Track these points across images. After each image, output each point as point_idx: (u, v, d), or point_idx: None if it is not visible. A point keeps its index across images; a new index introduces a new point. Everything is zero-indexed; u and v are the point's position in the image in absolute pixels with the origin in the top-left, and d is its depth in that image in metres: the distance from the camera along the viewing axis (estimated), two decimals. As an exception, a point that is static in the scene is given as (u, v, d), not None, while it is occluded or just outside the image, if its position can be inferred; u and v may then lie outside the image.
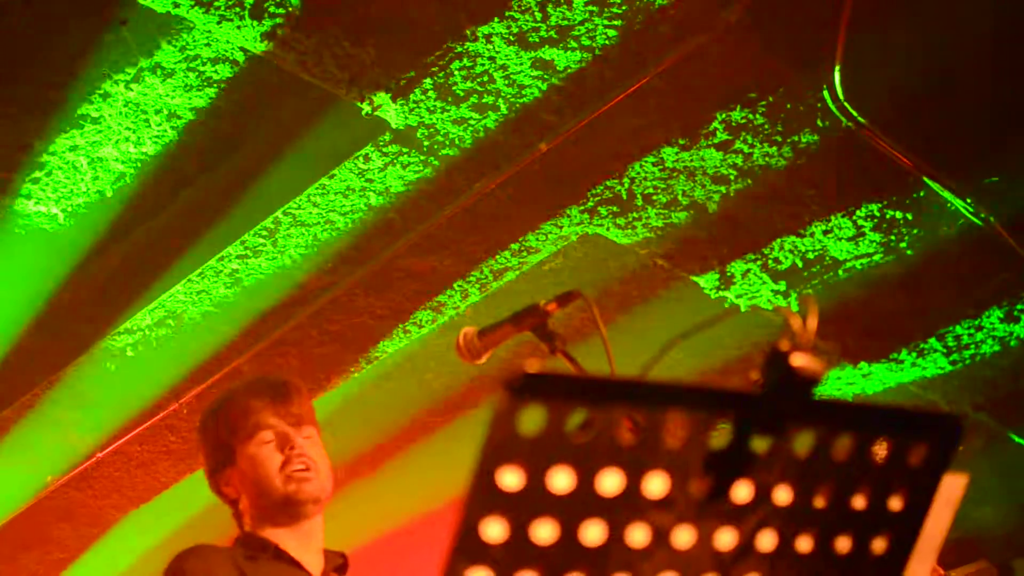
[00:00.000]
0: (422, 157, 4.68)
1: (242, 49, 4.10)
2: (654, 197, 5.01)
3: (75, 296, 5.15)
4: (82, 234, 4.83)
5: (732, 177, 4.94)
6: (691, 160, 4.83)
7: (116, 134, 4.40)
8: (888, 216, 5.20)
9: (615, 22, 4.18)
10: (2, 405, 5.84)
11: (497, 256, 5.33)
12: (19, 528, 6.71)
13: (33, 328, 5.28)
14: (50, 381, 5.72)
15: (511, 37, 4.17)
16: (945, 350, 6.21)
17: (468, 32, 4.15)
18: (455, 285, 5.50)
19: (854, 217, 5.20)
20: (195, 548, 3.29)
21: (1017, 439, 7.08)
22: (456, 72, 4.29)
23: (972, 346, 6.18)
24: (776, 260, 5.44)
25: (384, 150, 4.63)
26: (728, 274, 5.53)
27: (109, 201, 4.69)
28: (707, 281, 5.59)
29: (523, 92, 4.40)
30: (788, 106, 4.60)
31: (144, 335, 5.50)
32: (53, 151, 4.42)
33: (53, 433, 6.08)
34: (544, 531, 1.23)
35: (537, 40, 4.19)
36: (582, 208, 5.07)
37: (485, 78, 4.33)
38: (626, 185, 4.95)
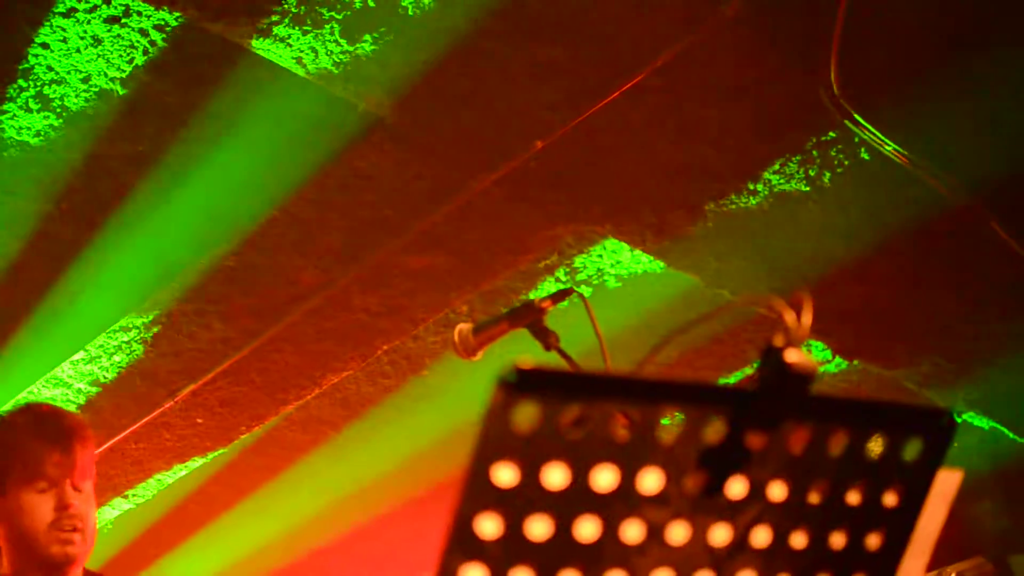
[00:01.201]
0: (418, 154, 4.67)
1: (236, 45, 4.09)
2: (649, 194, 5.01)
3: (69, 295, 5.15)
4: (78, 234, 4.83)
5: (728, 174, 4.94)
6: (687, 157, 4.82)
7: (114, 133, 4.40)
8: (884, 212, 5.20)
9: (612, 17, 4.17)
10: (-2, 403, 5.84)
11: (493, 253, 5.33)
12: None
13: (28, 326, 5.28)
14: (46, 379, 5.72)
15: (505, 32, 4.16)
16: (940, 346, 6.21)
17: (463, 28, 4.15)
18: (451, 282, 5.50)
19: (849, 212, 5.19)
20: None
21: (1012, 435, 7.09)
22: (452, 68, 4.29)
23: (968, 342, 6.18)
24: (772, 256, 5.44)
25: (381, 147, 4.62)
26: (723, 271, 5.53)
27: (104, 202, 4.69)
28: (703, 277, 5.59)
29: (518, 88, 4.40)
30: (785, 101, 4.59)
31: (139, 332, 5.49)
32: (50, 148, 4.41)
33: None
34: (539, 527, 1.23)
35: (534, 36, 4.18)
36: (578, 205, 5.06)
37: (481, 73, 4.33)
38: (621, 182, 4.94)
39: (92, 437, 3.41)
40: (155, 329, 5.50)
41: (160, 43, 4.05)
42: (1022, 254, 5.39)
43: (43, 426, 3.34)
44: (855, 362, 6.32)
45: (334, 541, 7.64)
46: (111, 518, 7.01)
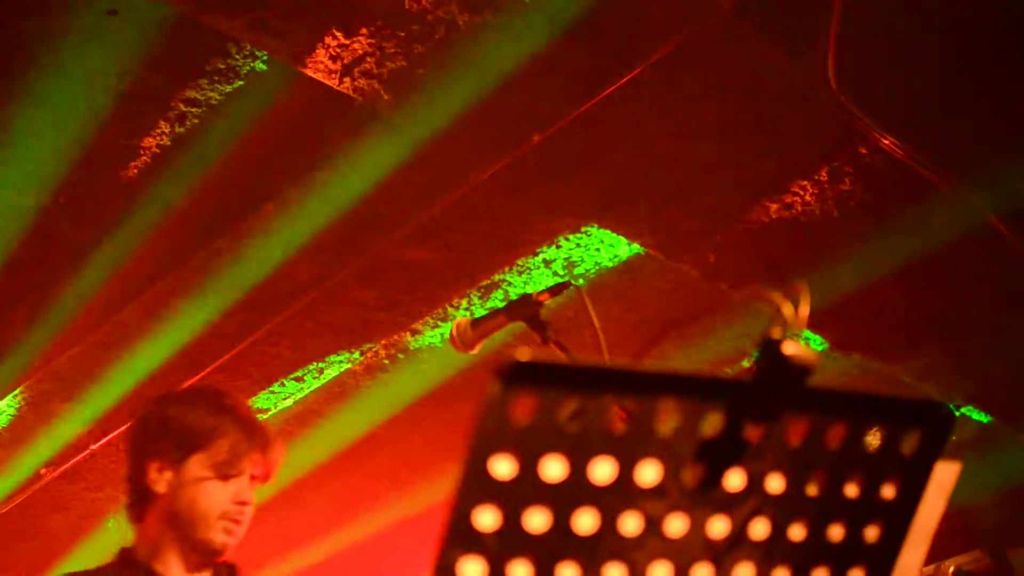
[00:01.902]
0: (415, 148, 4.67)
1: (233, 40, 4.09)
2: (646, 188, 5.01)
3: (67, 288, 5.15)
4: (75, 227, 4.83)
5: (725, 168, 4.94)
6: (684, 151, 4.82)
7: (111, 125, 4.39)
8: (882, 207, 5.20)
9: (609, 11, 4.17)
10: (-5, 397, 5.84)
11: (490, 247, 5.33)
12: (13, 521, 6.71)
13: (25, 320, 5.28)
14: (43, 373, 5.72)
15: (502, 27, 4.16)
16: (938, 339, 6.22)
17: (461, 23, 4.14)
18: (448, 276, 5.50)
19: (847, 207, 5.19)
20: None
21: (1011, 429, 7.09)
22: (449, 62, 4.28)
23: (965, 335, 6.18)
24: (768, 250, 5.44)
25: (376, 140, 4.62)
26: (721, 264, 5.53)
27: (102, 196, 4.69)
28: (701, 271, 5.59)
29: (516, 82, 4.40)
30: (782, 94, 4.59)
31: (136, 326, 5.49)
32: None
33: (46, 426, 6.08)
34: (537, 520, 1.23)
35: (531, 30, 4.18)
36: (575, 199, 5.06)
37: (478, 68, 4.32)
38: (619, 176, 4.94)
39: (282, 451, 3.46)
40: (152, 323, 5.50)
41: (156, 36, 4.05)
42: (1019, 246, 5.39)
43: (251, 424, 3.38)
44: (853, 356, 6.32)
45: (332, 534, 7.65)
46: (113, 512, 7.01)
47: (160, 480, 3.28)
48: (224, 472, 3.26)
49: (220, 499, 3.24)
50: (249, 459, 3.30)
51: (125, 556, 3.31)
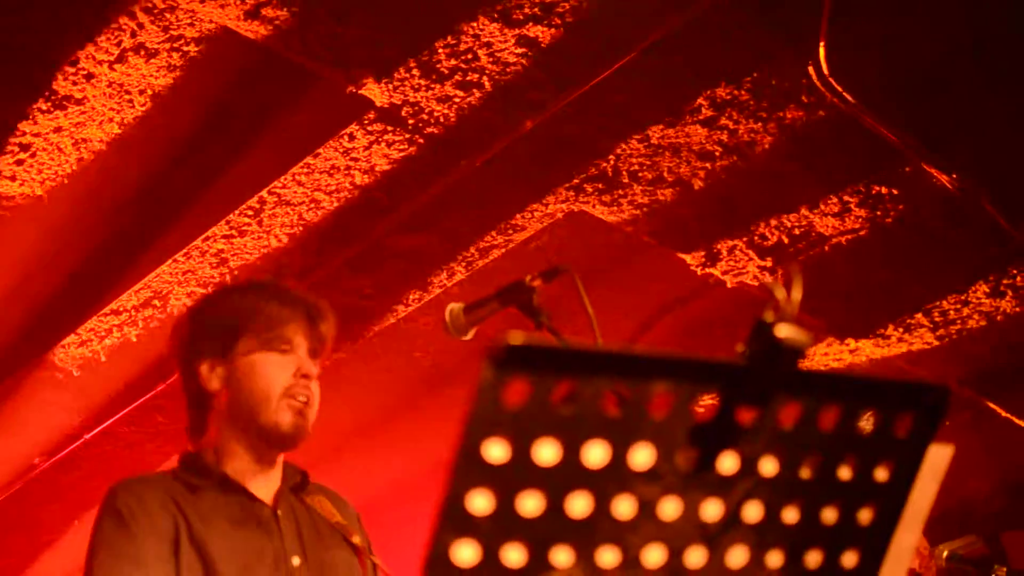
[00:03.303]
0: (407, 135, 4.67)
1: (225, 28, 4.09)
2: (639, 174, 5.01)
3: (60, 276, 5.15)
4: (66, 215, 4.82)
5: (717, 154, 4.94)
6: (676, 137, 4.82)
7: (100, 115, 4.38)
8: (874, 191, 5.20)
9: (600, -2, 4.17)
10: (-11, 387, 5.84)
11: (483, 234, 5.33)
12: (7, 510, 6.71)
13: (18, 309, 5.27)
14: (36, 362, 5.71)
15: (495, 14, 4.15)
16: (931, 325, 6.23)
17: (452, 10, 4.14)
18: (442, 263, 5.50)
19: (840, 192, 5.20)
20: (127, 483, 3.00)
21: (1004, 413, 7.10)
22: (440, 50, 4.28)
23: (958, 321, 6.19)
24: (762, 236, 5.45)
25: (368, 128, 4.62)
26: (714, 251, 5.54)
27: (93, 182, 4.68)
28: (693, 258, 5.59)
29: (508, 70, 4.39)
30: (773, 82, 4.59)
31: (130, 316, 5.49)
32: (37, 132, 4.40)
33: (40, 414, 6.07)
34: (530, 503, 1.22)
35: (521, 17, 4.18)
36: (567, 186, 5.06)
37: (469, 56, 4.32)
38: (611, 162, 4.94)
39: (335, 324, 3.26)
40: (146, 312, 5.49)
41: (148, 25, 4.04)
42: (1013, 232, 5.39)
43: (290, 296, 3.21)
44: (846, 340, 6.33)
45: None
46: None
47: (213, 377, 3.11)
48: (273, 346, 3.10)
49: (278, 375, 3.07)
50: (296, 329, 3.13)
51: (189, 461, 3.12)
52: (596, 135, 4.80)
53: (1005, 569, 4.24)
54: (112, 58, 4.15)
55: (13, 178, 4.61)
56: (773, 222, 5.36)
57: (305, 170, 4.80)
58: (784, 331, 1.27)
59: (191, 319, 3.23)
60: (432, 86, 4.45)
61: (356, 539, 3.18)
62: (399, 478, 7.12)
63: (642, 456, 1.27)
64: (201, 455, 3.11)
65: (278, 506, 3.08)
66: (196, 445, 3.17)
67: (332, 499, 3.27)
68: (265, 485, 3.11)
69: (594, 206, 5.20)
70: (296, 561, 2.99)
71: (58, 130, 4.41)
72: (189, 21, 4.05)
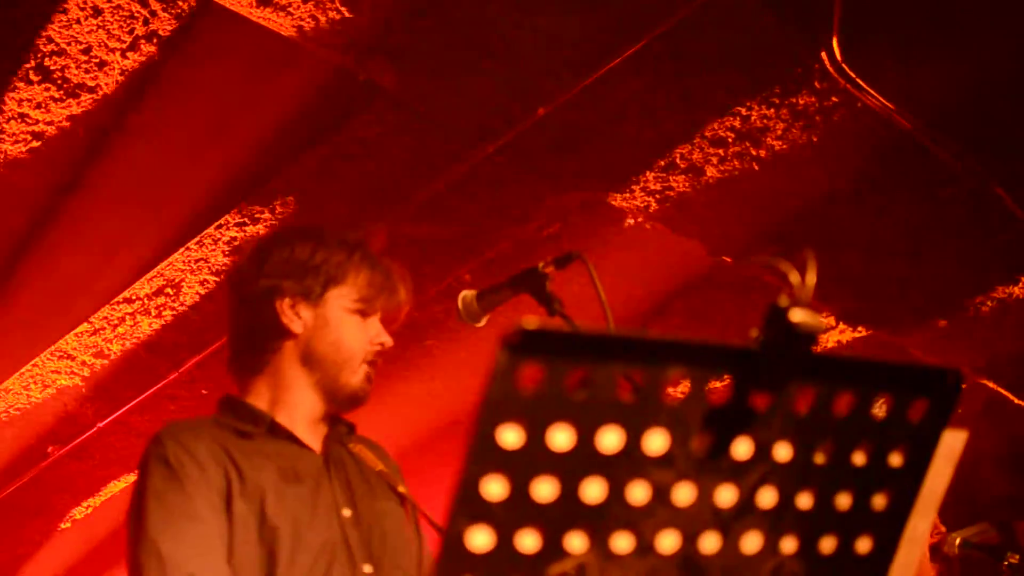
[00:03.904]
0: (420, 123, 4.66)
1: (238, 15, 4.08)
2: (652, 160, 5.00)
3: (73, 266, 5.15)
4: (79, 203, 4.83)
5: (730, 140, 4.93)
6: (690, 123, 4.81)
7: (114, 103, 4.39)
8: (887, 177, 5.19)
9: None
10: (2, 375, 5.84)
11: (496, 221, 5.33)
12: (21, 498, 6.73)
13: (32, 298, 5.29)
14: (50, 351, 5.73)
15: (508, 1, 4.15)
16: (944, 311, 6.21)
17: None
18: (454, 251, 5.49)
19: (853, 177, 5.18)
20: (173, 430, 2.90)
21: (1017, 400, 7.09)
22: (454, 36, 4.27)
23: (972, 308, 6.18)
24: (776, 223, 5.43)
25: (381, 116, 4.61)
26: (728, 236, 5.53)
27: (106, 169, 4.68)
28: (707, 243, 5.58)
29: (521, 56, 4.39)
30: (787, 68, 4.58)
31: (143, 304, 5.50)
32: (50, 120, 4.41)
33: (53, 403, 6.09)
34: (544, 489, 1.23)
35: (535, 3, 4.17)
36: (580, 173, 5.06)
37: (483, 41, 4.31)
38: (625, 149, 4.93)
39: (412, 294, 3.22)
40: (159, 300, 5.50)
41: (160, 13, 4.04)
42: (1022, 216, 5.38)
43: (380, 263, 3.15)
44: (859, 328, 6.32)
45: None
46: (116, 490, 7.02)
47: (296, 319, 3.02)
48: (363, 309, 3.06)
49: (361, 338, 3.04)
50: (385, 297, 3.10)
51: (234, 406, 3.05)
52: (609, 122, 4.79)
53: (1018, 556, 4.24)
54: (125, 46, 4.15)
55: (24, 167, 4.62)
56: (787, 210, 5.34)
57: (318, 158, 4.80)
58: (798, 316, 1.27)
59: (273, 252, 3.10)
60: (444, 73, 4.44)
61: (401, 488, 3.11)
62: (411, 465, 7.12)
63: (656, 441, 1.27)
64: (249, 399, 3.05)
65: (328, 455, 3.03)
66: (243, 388, 3.10)
67: (372, 448, 3.20)
68: (314, 434, 3.05)
69: (607, 193, 5.19)
70: (347, 512, 2.92)
71: (71, 118, 4.42)
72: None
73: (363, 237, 3.22)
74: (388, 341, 3.10)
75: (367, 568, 2.87)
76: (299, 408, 3.02)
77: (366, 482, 3.06)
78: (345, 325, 3.04)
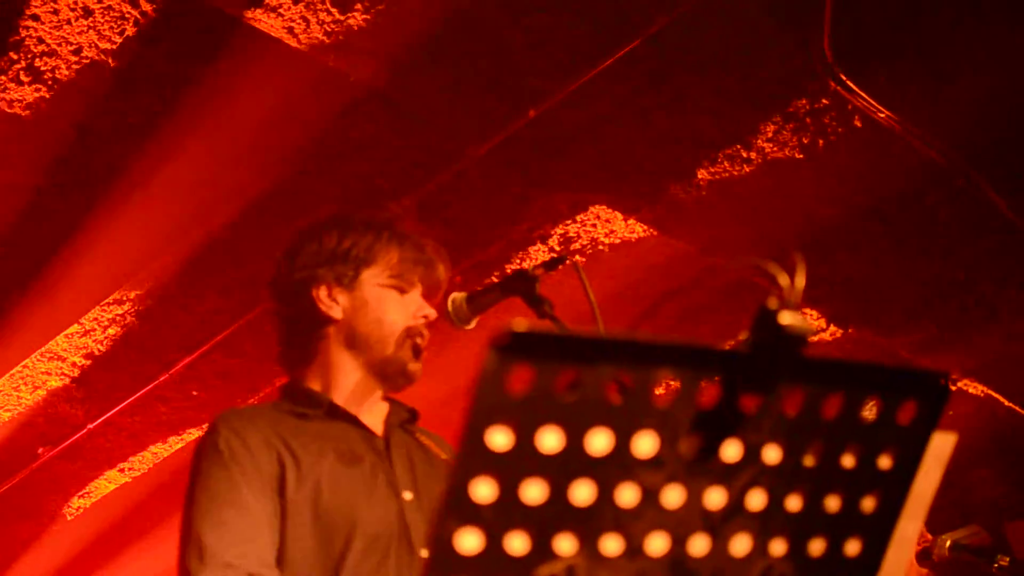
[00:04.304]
0: (410, 123, 4.66)
1: (227, 15, 4.08)
2: (643, 162, 5.00)
3: (63, 267, 5.15)
4: (71, 207, 4.83)
5: (721, 141, 4.93)
6: (680, 125, 4.81)
7: (102, 104, 4.38)
8: (877, 180, 5.20)
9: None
10: (-8, 377, 5.84)
11: (486, 223, 5.32)
12: (11, 499, 6.72)
13: (22, 300, 5.28)
14: (40, 353, 5.72)
15: (499, 1, 4.15)
16: (933, 313, 6.22)
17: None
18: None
19: (843, 179, 5.19)
20: (229, 418, 2.89)
21: (1007, 402, 7.10)
22: (445, 37, 4.27)
23: (961, 308, 6.19)
24: (766, 224, 5.44)
25: (373, 116, 4.61)
26: (718, 238, 5.53)
27: (96, 170, 4.68)
28: (697, 246, 5.59)
29: (511, 57, 4.39)
30: (778, 67, 4.58)
31: (133, 305, 5.49)
32: (38, 119, 4.40)
33: (43, 404, 6.08)
34: (534, 491, 1.23)
35: (527, 3, 4.17)
36: (571, 174, 5.06)
37: (474, 42, 4.31)
38: (615, 151, 4.93)
39: (449, 265, 3.23)
40: (149, 302, 5.50)
41: (150, 14, 4.03)
42: (1015, 220, 5.39)
43: (412, 239, 3.16)
44: (849, 330, 6.33)
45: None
46: (107, 491, 7.02)
47: (334, 305, 3.06)
48: (399, 284, 3.08)
49: (400, 313, 3.05)
50: (420, 271, 3.12)
51: (294, 390, 3.07)
52: (600, 124, 4.79)
53: (1008, 559, 4.24)
54: (113, 47, 4.14)
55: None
56: (777, 211, 5.35)
57: (307, 156, 4.79)
58: (788, 318, 1.27)
59: (302, 247, 3.15)
60: (435, 73, 4.44)
61: None
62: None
63: (645, 444, 1.27)
64: (307, 384, 3.06)
65: (389, 437, 3.02)
66: (298, 375, 3.10)
67: (437, 442, 3.18)
68: (374, 417, 3.06)
69: (598, 194, 5.20)
70: (408, 496, 2.90)
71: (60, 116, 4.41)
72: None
73: (391, 216, 3.24)
74: (431, 313, 3.10)
75: (425, 553, 2.84)
76: (354, 391, 3.04)
77: (432, 466, 3.04)
78: (384, 302, 3.06)
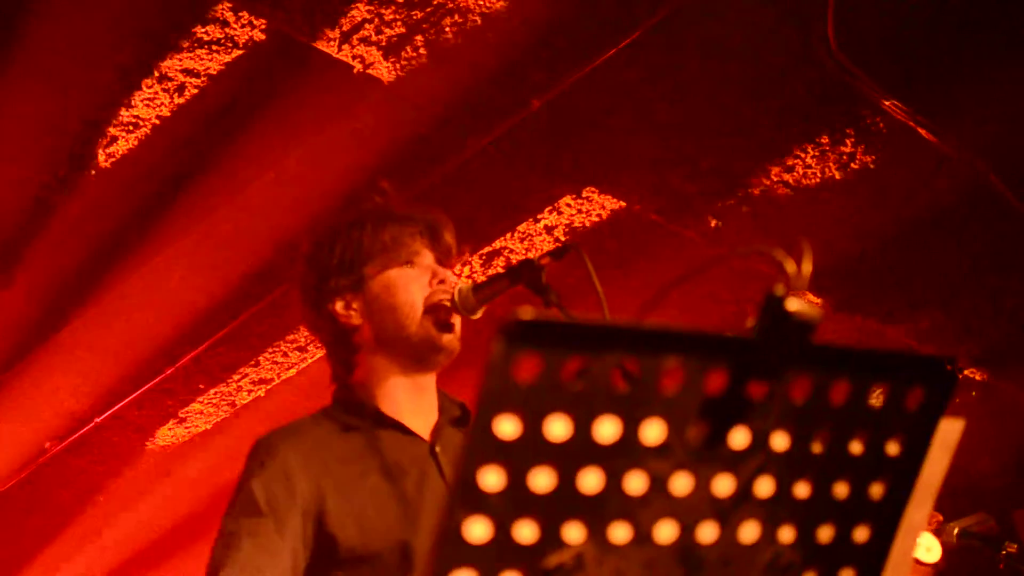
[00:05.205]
0: (413, 114, 4.66)
1: (232, 10, 4.08)
2: (647, 152, 5.00)
3: (71, 263, 5.15)
4: (74, 201, 4.83)
5: (725, 131, 4.93)
6: (684, 114, 4.81)
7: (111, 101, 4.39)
8: (883, 169, 5.19)
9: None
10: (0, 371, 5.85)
11: (491, 214, 5.32)
12: (18, 493, 6.72)
13: (29, 294, 5.28)
14: (47, 346, 5.72)
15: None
16: (940, 301, 6.22)
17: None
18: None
19: (847, 168, 5.18)
20: (275, 435, 2.90)
21: (1014, 390, 7.10)
22: (447, 28, 4.27)
23: (967, 297, 6.18)
24: (770, 213, 5.43)
25: (374, 108, 4.61)
26: (722, 228, 5.53)
27: (102, 168, 4.68)
28: (702, 235, 5.58)
29: (514, 48, 4.38)
30: (782, 56, 4.57)
31: (139, 299, 5.49)
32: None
33: (50, 398, 6.09)
34: (542, 479, 1.22)
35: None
36: (574, 164, 5.05)
37: (477, 32, 4.31)
38: (619, 141, 4.93)
39: (452, 226, 3.19)
40: (154, 295, 5.50)
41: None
42: (1022, 209, 5.38)
43: (403, 213, 3.14)
44: (856, 317, 6.32)
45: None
46: (115, 486, 7.02)
47: (351, 313, 3.04)
48: (404, 259, 3.05)
49: (414, 285, 3.02)
50: (419, 240, 3.08)
51: (343, 398, 3.06)
52: (603, 114, 4.78)
53: (1016, 546, 4.25)
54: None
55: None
56: (780, 198, 5.35)
57: (310, 150, 4.79)
58: (794, 305, 1.26)
59: (312, 265, 3.14)
60: (439, 65, 4.44)
61: None
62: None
63: (653, 432, 1.26)
64: (354, 392, 3.05)
65: (436, 441, 2.98)
66: (349, 384, 3.09)
67: None
68: (422, 418, 3.02)
69: (601, 184, 5.19)
70: None
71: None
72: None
73: (373, 205, 3.21)
74: (449, 276, 3.07)
75: None
76: (396, 389, 3.02)
77: None
78: (394, 286, 3.03)
